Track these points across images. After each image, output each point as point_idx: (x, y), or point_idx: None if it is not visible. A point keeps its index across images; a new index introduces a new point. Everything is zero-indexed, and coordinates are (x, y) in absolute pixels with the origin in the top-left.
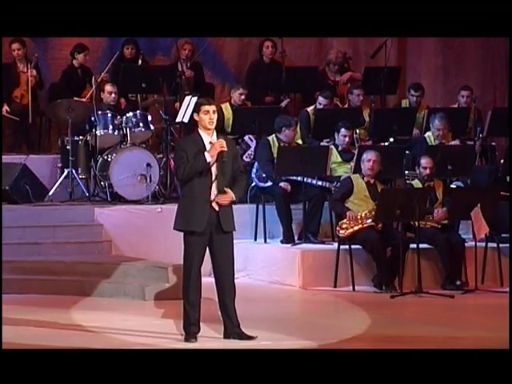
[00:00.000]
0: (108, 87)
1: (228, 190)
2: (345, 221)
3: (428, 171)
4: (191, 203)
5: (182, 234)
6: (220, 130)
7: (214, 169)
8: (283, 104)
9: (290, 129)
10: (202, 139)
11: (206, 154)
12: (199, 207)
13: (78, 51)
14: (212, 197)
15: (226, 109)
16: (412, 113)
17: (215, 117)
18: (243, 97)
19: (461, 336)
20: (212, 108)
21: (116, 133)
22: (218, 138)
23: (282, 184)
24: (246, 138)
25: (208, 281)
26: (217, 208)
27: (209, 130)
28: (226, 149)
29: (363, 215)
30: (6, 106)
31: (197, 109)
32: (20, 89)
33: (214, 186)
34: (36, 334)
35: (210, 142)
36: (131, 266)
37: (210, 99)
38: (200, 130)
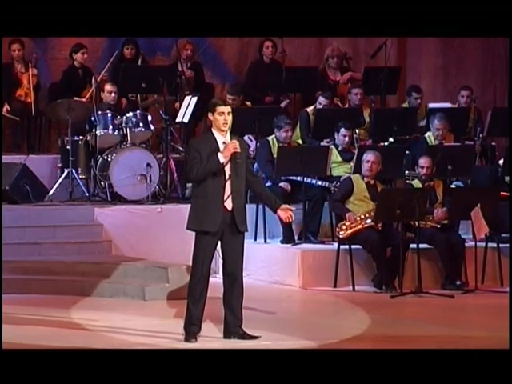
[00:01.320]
0: (108, 87)
1: (286, 206)
2: (344, 222)
3: (425, 171)
4: (204, 203)
5: (183, 233)
6: None
7: (227, 169)
8: (283, 105)
9: (281, 130)
10: (215, 140)
11: (219, 154)
12: (212, 207)
13: (75, 50)
14: (225, 197)
15: None
16: (412, 113)
17: (230, 118)
18: (230, 101)
19: (461, 336)
20: (227, 109)
21: (116, 133)
22: (231, 139)
23: (281, 184)
24: (246, 137)
25: (210, 280)
26: (230, 208)
27: (223, 131)
28: (239, 150)
29: (363, 217)
30: (6, 106)
31: (212, 109)
32: (23, 88)
33: (227, 185)
34: (36, 333)
35: (224, 143)
36: (131, 266)
37: (225, 100)
38: (214, 131)
